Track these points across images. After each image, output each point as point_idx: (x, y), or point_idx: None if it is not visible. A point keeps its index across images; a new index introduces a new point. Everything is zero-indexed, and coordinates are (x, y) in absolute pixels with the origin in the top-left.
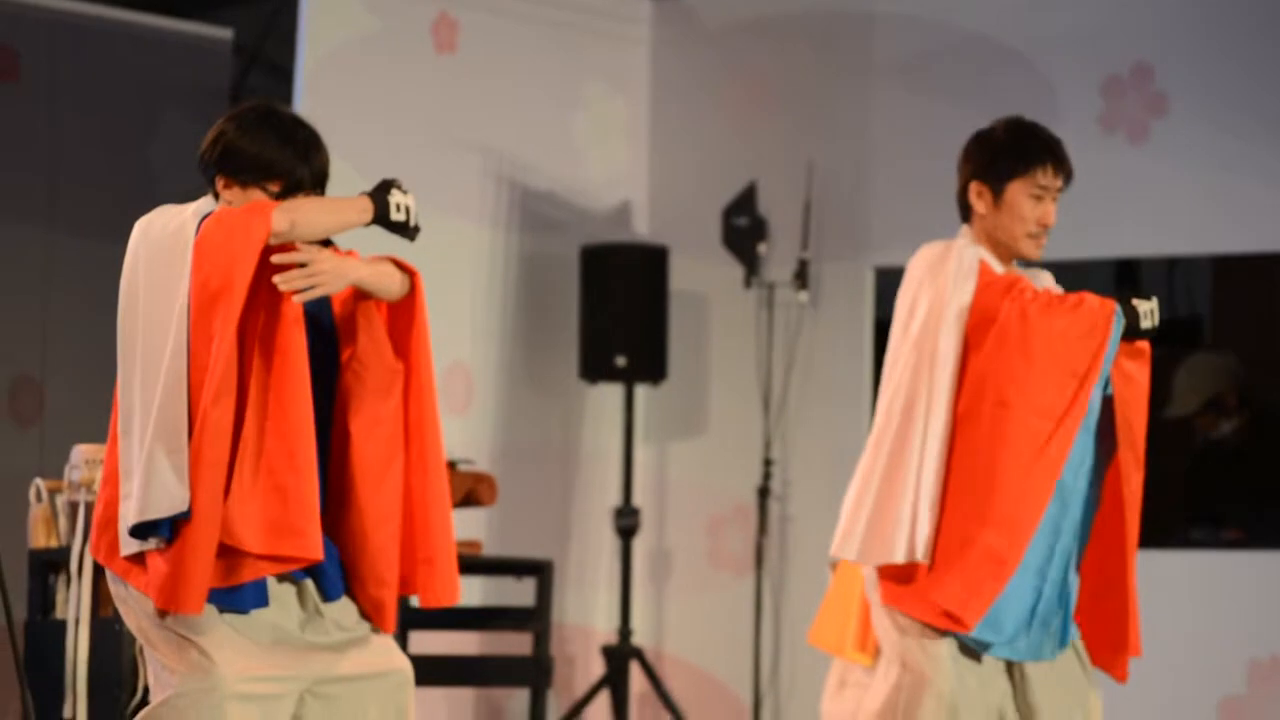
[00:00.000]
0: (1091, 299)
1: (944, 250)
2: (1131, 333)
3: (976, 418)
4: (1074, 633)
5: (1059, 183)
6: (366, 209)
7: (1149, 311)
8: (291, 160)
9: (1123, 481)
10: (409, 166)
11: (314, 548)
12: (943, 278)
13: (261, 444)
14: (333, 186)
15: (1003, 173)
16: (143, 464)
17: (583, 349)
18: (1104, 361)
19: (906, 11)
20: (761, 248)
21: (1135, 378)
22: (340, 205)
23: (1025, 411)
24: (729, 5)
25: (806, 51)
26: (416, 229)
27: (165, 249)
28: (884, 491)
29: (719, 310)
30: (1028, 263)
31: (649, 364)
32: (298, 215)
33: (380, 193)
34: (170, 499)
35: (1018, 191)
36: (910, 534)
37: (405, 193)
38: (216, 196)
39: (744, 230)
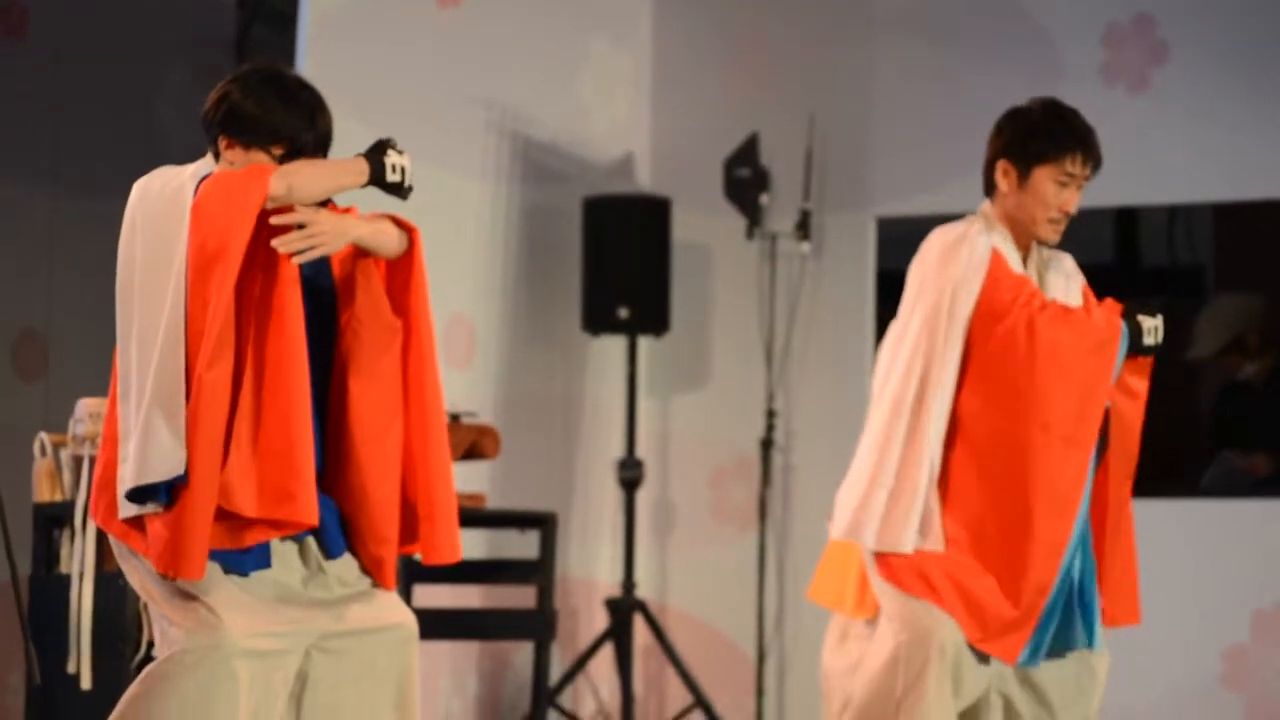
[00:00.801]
0: (1099, 314)
1: (959, 238)
2: (1135, 349)
3: (984, 419)
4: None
5: (1087, 172)
6: (363, 171)
7: (1153, 329)
8: (295, 123)
9: (1110, 489)
10: (412, 119)
11: (309, 512)
12: (954, 266)
13: (259, 407)
14: (336, 141)
15: (1031, 155)
16: (140, 427)
17: (585, 301)
18: (1110, 378)
19: None
20: (763, 199)
21: (1136, 391)
22: (336, 168)
23: (1030, 425)
24: None
25: (807, 3)
26: (409, 189)
27: (163, 212)
28: (901, 481)
29: (721, 261)
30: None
31: (651, 316)
32: (295, 179)
33: (375, 153)
34: (167, 462)
35: (1044, 176)
36: (924, 526)
37: (401, 153)
38: (218, 156)
39: (746, 181)
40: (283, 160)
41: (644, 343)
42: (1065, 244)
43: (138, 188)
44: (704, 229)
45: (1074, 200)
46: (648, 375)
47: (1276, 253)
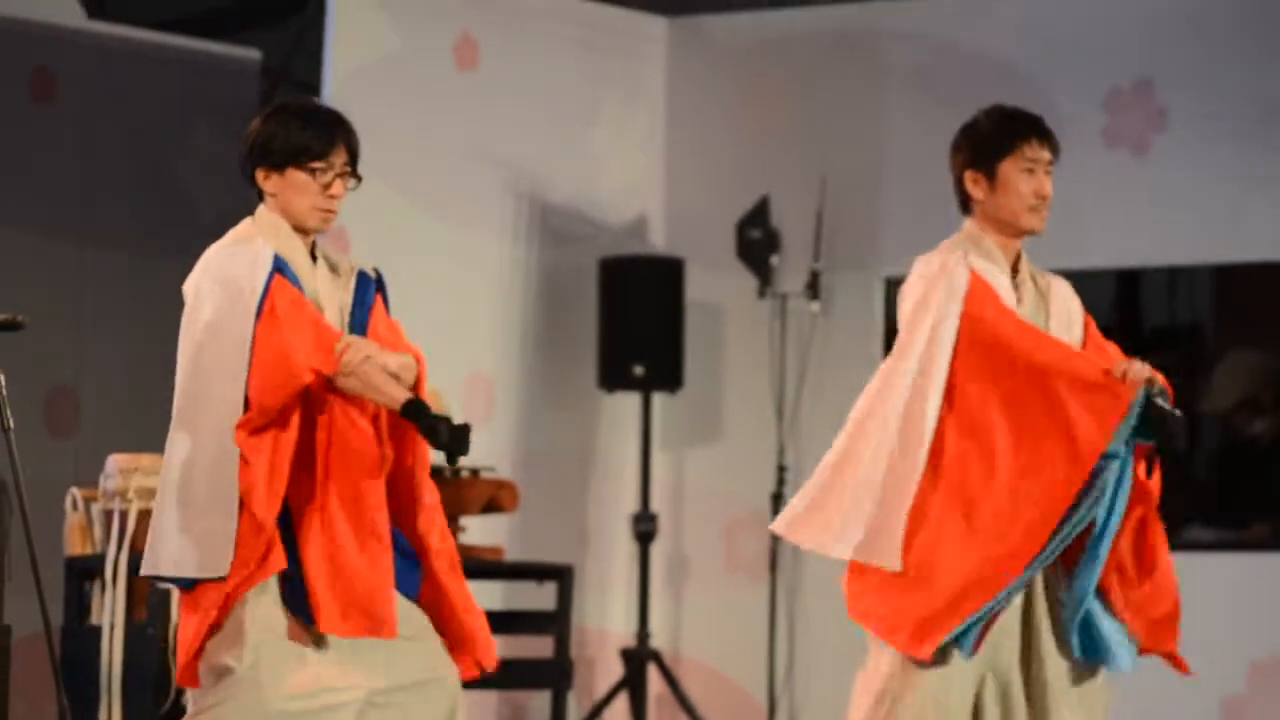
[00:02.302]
0: (1085, 424)
1: (939, 270)
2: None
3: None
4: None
5: (1047, 154)
6: (400, 403)
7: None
8: (318, 138)
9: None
10: (432, 181)
11: (391, 629)
12: (935, 298)
13: (333, 522)
14: (357, 199)
15: (991, 155)
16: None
17: (601, 358)
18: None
19: (915, 29)
20: (774, 259)
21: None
22: (394, 390)
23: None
24: (742, 23)
25: (817, 68)
26: (452, 447)
27: (226, 313)
28: (886, 500)
29: (733, 320)
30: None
31: (666, 373)
32: (353, 379)
33: (430, 418)
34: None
35: (1009, 169)
36: (897, 545)
37: (453, 428)
38: (261, 195)
39: (757, 242)
40: (320, 175)
41: (658, 399)
42: None
43: (199, 270)
44: (716, 288)
45: (1046, 185)
46: (662, 430)
47: (1275, 312)
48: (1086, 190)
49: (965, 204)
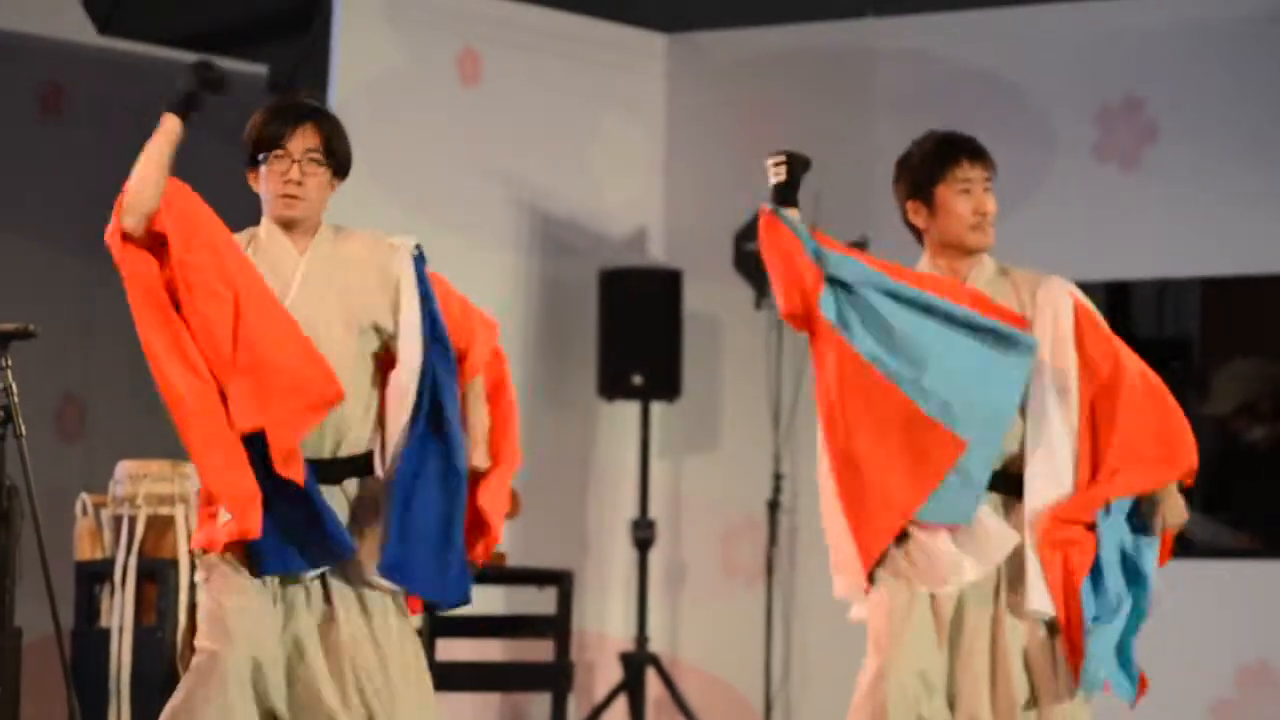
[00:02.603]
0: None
1: None
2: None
3: None
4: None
5: (981, 172)
6: (167, 121)
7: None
8: (276, 129)
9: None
10: (435, 194)
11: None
12: None
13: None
14: (361, 210)
15: (926, 183)
16: None
17: (601, 368)
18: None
19: (908, 47)
20: (769, 260)
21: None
22: (150, 144)
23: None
24: (740, 41)
25: (813, 85)
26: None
27: None
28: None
29: (731, 331)
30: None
31: (664, 382)
32: (127, 192)
33: (177, 103)
34: None
35: (945, 194)
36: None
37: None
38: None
39: (754, 255)
40: (279, 164)
41: (656, 408)
42: None
43: None
44: (714, 300)
45: (986, 202)
46: (660, 439)
47: (1261, 324)
48: (1078, 204)
49: (917, 235)
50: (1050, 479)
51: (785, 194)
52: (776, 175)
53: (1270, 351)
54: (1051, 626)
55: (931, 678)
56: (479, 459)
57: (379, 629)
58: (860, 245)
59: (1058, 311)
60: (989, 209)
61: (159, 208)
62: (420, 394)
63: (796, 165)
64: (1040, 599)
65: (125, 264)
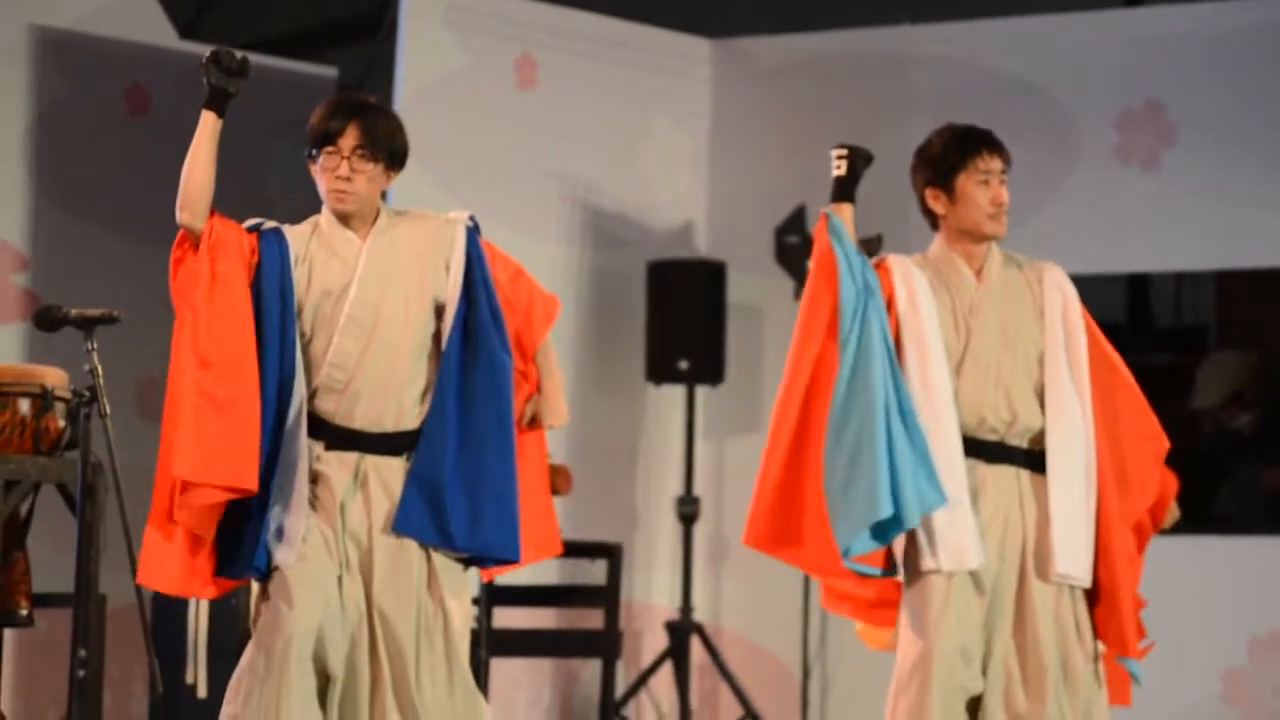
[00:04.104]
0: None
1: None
2: None
3: None
4: None
5: (999, 164)
6: (205, 118)
7: None
8: (327, 126)
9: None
10: (493, 189)
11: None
12: None
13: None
14: (422, 206)
15: (947, 172)
16: None
17: (648, 354)
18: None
19: (938, 53)
20: (810, 263)
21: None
22: (193, 143)
23: None
24: (781, 47)
25: (849, 88)
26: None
27: None
28: None
29: (771, 320)
30: (992, 243)
31: (708, 368)
32: (180, 190)
33: (210, 99)
34: None
35: (966, 183)
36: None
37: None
38: None
39: (794, 248)
40: (334, 158)
41: (701, 392)
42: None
43: None
44: (756, 290)
45: (1002, 193)
46: (704, 421)
47: (1272, 315)
48: (1100, 202)
49: (932, 221)
50: (1067, 451)
51: (844, 189)
52: (837, 169)
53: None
54: (1076, 592)
55: (970, 650)
56: (555, 415)
57: (423, 586)
58: (875, 241)
59: (1066, 296)
60: (1004, 200)
61: (211, 211)
62: (452, 339)
63: (858, 160)
64: (1068, 562)
65: (182, 258)
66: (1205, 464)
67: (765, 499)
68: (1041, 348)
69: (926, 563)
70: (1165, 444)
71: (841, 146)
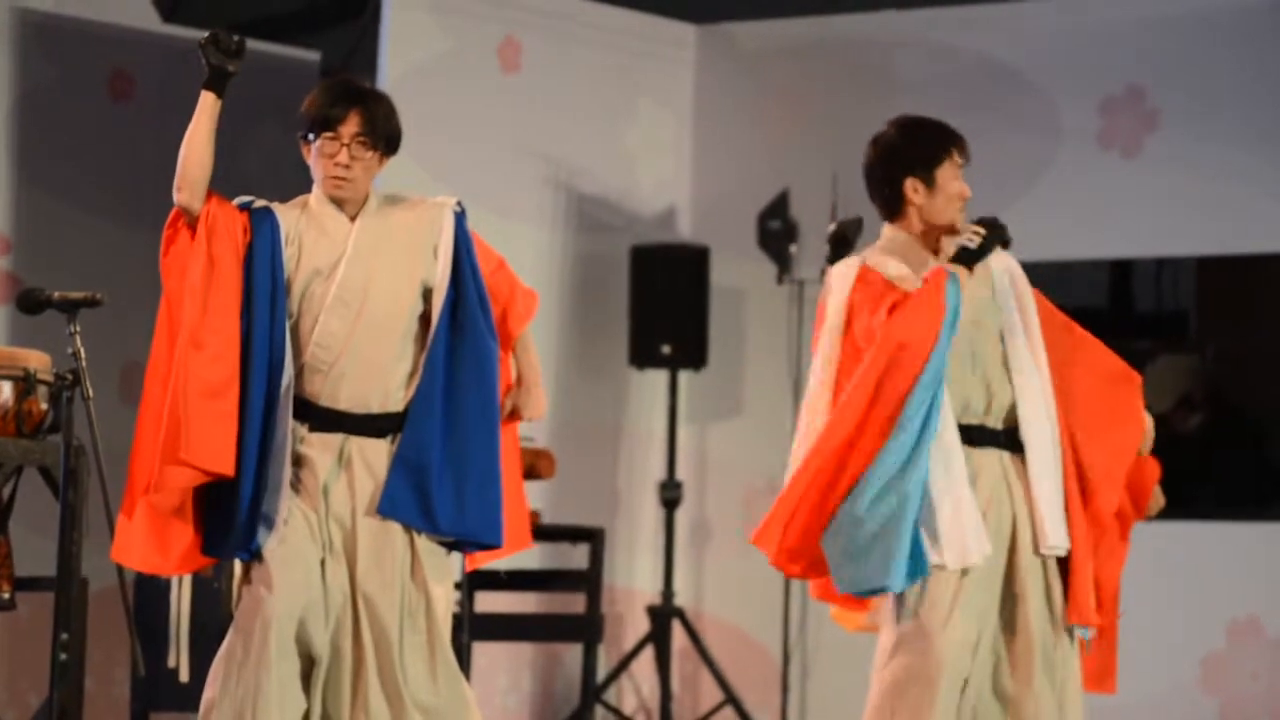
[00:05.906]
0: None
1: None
2: None
3: None
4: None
5: (965, 159)
6: (204, 98)
7: None
8: (328, 112)
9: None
10: (476, 173)
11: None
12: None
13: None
14: (406, 189)
15: (931, 161)
16: None
17: (631, 338)
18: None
19: (923, 38)
20: (793, 248)
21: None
22: (192, 123)
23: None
24: (765, 31)
25: (834, 73)
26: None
27: None
28: None
29: (754, 304)
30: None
31: (691, 352)
32: (178, 170)
33: (209, 79)
34: None
35: (946, 174)
36: None
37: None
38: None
39: (777, 233)
40: (331, 143)
41: (684, 376)
42: (1061, 289)
43: None
44: (739, 275)
45: (966, 186)
46: (687, 406)
47: (1252, 300)
48: (1082, 188)
49: (893, 211)
50: (1038, 422)
51: (967, 257)
52: (970, 241)
53: (1262, 324)
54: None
55: (972, 642)
56: (535, 408)
57: (407, 567)
58: (854, 224)
59: (1013, 273)
60: (969, 194)
61: (208, 193)
62: (440, 323)
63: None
64: (1056, 534)
65: (172, 238)
66: (1185, 449)
67: (794, 529)
68: (1000, 324)
69: (932, 559)
70: (1137, 377)
71: (979, 221)
